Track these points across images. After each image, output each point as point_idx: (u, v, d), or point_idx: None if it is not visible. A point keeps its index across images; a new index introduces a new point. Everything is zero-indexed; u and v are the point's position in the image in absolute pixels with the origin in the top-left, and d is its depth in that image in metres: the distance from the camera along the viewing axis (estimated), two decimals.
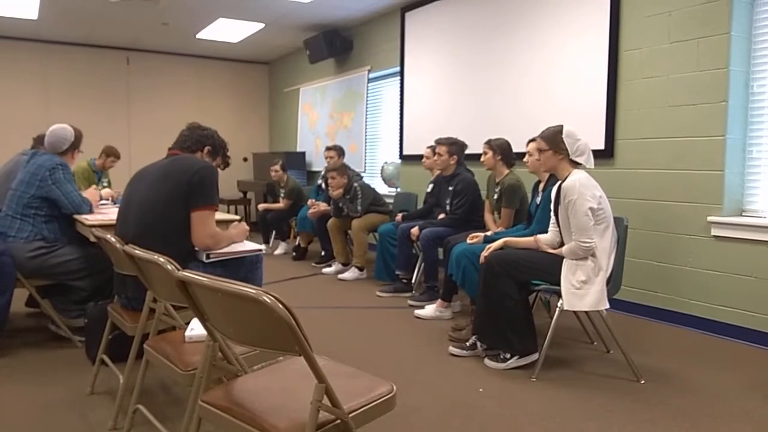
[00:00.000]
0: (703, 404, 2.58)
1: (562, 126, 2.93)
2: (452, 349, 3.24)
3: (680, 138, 3.78)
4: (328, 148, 6.13)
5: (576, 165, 2.92)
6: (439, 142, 4.51)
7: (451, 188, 4.42)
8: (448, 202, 4.45)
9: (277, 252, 6.67)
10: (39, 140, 4.18)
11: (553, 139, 2.92)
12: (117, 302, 2.66)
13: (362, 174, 6.51)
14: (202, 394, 1.62)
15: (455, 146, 4.46)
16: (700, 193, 3.69)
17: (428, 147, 5.01)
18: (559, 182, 2.94)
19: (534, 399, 2.63)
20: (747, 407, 2.55)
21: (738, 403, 2.60)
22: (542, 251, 3.01)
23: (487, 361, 3.06)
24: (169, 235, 2.50)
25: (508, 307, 2.93)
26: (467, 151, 4.57)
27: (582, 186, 2.79)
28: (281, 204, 6.67)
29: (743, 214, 3.66)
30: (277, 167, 6.63)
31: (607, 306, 2.79)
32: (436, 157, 4.54)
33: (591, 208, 2.78)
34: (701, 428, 2.35)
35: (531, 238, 3.11)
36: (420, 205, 5.32)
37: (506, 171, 4.03)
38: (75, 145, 3.54)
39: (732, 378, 2.90)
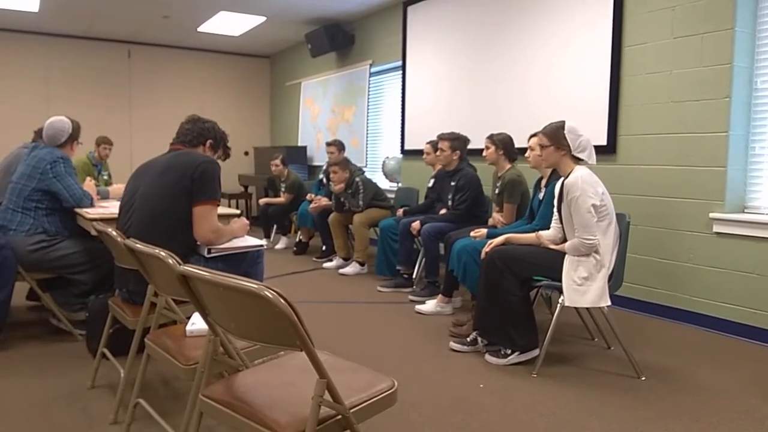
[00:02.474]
0: (704, 401, 2.58)
1: (563, 122, 2.92)
2: (453, 345, 3.24)
3: (683, 134, 3.77)
4: (329, 144, 6.13)
5: (578, 161, 2.91)
6: (441, 137, 4.49)
7: (453, 183, 4.41)
8: (450, 197, 4.44)
9: (278, 246, 6.67)
10: (40, 133, 4.16)
11: (555, 135, 2.91)
12: (118, 296, 2.66)
13: (363, 169, 6.49)
14: (203, 389, 1.62)
15: (458, 141, 4.44)
16: (702, 190, 3.68)
17: (428, 143, 4.99)
18: (562, 179, 2.93)
19: (534, 395, 2.63)
20: (748, 404, 2.55)
21: (739, 400, 2.60)
22: (544, 247, 3.00)
23: (487, 356, 3.06)
24: (172, 229, 2.50)
25: (509, 303, 2.93)
26: (471, 146, 4.56)
27: (584, 183, 2.78)
28: (282, 198, 6.66)
29: (745, 210, 3.65)
30: (278, 161, 6.62)
31: (609, 303, 2.79)
32: (438, 153, 4.52)
33: (594, 205, 2.77)
34: (702, 425, 2.35)
35: (533, 234, 3.10)
36: (421, 200, 5.32)
37: (508, 166, 4.02)
38: (73, 136, 3.53)
39: (733, 375, 2.90)
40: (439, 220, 4.41)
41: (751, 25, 3.55)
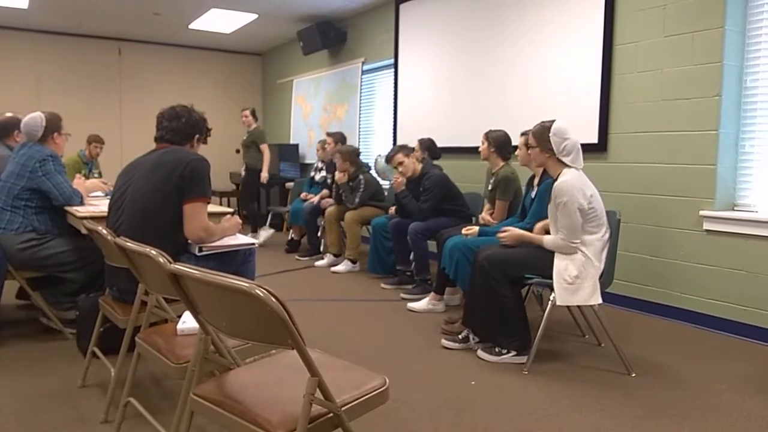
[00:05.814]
0: (693, 397, 2.60)
1: (552, 122, 2.89)
2: (445, 342, 3.24)
3: (673, 132, 3.79)
4: (329, 134, 6.16)
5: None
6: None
7: (421, 188, 4.48)
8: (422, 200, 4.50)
9: (262, 239, 6.61)
10: None
11: (541, 136, 2.90)
12: (108, 294, 2.65)
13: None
14: (194, 387, 1.61)
15: (407, 149, 4.60)
16: (692, 188, 3.70)
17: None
18: (553, 181, 2.93)
19: (526, 392, 2.64)
20: (737, 400, 2.57)
21: (728, 395, 2.62)
22: (530, 243, 2.99)
23: (480, 352, 3.06)
24: (162, 228, 2.49)
25: (503, 307, 2.94)
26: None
27: (573, 187, 2.77)
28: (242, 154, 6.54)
29: (735, 208, 3.67)
30: (247, 112, 6.59)
31: (600, 301, 2.80)
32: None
33: (581, 209, 2.77)
34: (692, 421, 2.37)
35: (539, 236, 3.05)
36: None
37: (501, 163, 4.03)
38: (50, 129, 3.42)
39: (723, 371, 2.93)
40: (416, 218, 4.44)
41: (741, 24, 3.57)
